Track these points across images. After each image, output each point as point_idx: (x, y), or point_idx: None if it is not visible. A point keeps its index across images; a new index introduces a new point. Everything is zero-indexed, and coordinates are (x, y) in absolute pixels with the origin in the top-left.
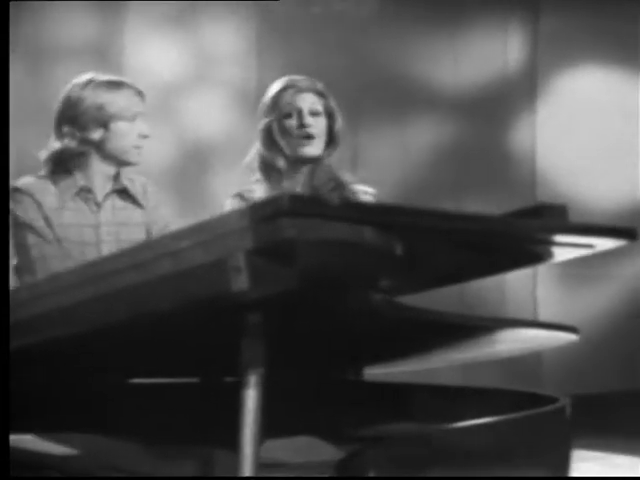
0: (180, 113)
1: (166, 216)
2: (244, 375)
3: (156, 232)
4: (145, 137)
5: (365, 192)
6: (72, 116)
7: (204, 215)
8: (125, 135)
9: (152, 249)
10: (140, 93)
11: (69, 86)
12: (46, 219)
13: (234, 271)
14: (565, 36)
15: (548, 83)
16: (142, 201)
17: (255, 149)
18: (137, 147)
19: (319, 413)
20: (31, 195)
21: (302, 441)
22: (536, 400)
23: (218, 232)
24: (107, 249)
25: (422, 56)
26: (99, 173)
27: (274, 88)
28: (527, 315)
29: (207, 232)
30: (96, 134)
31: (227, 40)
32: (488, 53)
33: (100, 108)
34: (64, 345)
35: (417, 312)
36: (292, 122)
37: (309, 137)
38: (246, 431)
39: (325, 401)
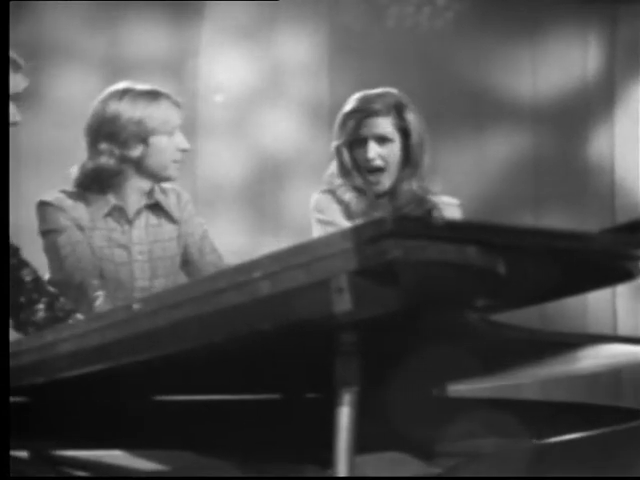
0: (254, 128)
1: (202, 225)
2: (338, 393)
3: (192, 243)
4: (184, 150)
5: (449, 204)
6: (110, 132)
7: (278, 230)
8: (165, 150)
9: (252, 270)
10: (177, 103)
11: (102, 97)
12: (80, 228)
13: (337, 292)
14: None
15: (627, 92)
16: (176, 212)
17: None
18: (176, 161)
19: (405, 428)
20: (64, 211)
21: (389, 456)
22: (628, 414)
23: (320, 253)
24: (140, 268)
25: (499, 67)
26: (135, 190)
27: (345, 108)
28: (607, 328)
29: (309, 253)
30: (136, 151)
31: (300, 55)
32: (567, 63)
33: (139, 122)
34: (157, 364)
35: (514, 330)
36: (359, 151)
37: (376, 170)
38: (340, 449)
39: (411, 417)
